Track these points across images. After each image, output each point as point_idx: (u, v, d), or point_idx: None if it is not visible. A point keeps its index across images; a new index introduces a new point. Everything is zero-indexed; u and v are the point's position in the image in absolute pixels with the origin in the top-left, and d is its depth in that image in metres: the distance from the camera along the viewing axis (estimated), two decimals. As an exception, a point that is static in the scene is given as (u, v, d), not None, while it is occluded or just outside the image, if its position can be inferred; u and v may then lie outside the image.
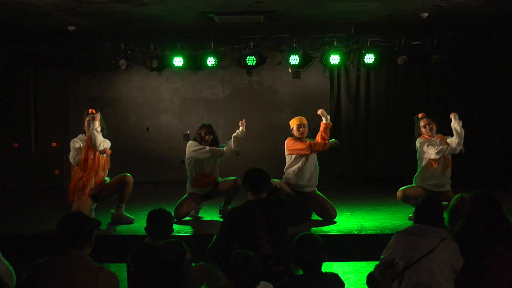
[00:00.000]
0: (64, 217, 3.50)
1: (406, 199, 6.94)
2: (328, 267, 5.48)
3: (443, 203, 4.26)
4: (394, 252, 3.84)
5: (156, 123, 10.96)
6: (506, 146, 10.47)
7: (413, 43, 9.96)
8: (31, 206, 8.45)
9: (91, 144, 6.63)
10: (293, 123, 7.18)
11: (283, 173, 7.17)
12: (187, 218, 7.12)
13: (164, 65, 10.48)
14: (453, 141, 6.91)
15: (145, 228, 4.16)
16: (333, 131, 10.67)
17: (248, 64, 10.19)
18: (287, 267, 4.43)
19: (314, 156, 7.15)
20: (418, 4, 7.75)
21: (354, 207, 7.82)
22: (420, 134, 7.08)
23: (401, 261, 3.78)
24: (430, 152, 6.85)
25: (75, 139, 6.83)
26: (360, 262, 5.87)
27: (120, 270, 4.48)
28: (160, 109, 10.94)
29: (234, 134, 7.19)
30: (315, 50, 10.45)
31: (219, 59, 10.27)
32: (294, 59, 10.04)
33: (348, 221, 6.95)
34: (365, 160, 10.73)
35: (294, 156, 7.05)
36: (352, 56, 10.48)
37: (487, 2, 7.62)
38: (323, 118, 7.17)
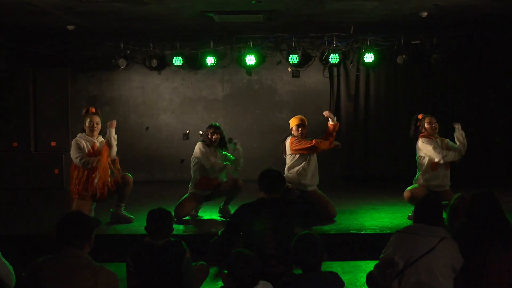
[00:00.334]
0: (64, 217, 3.49)
1: (414, 200, 6.86)
2: (327, 266, 5.49)
3: (443, 202, 4.26)
4: (394, 251, 3.84)
5: (155, 122, 10.96)
6: (506, 145, 10.48)
7: (412, 42, 9.95)
8: (30, 206, 8.45)
9: (104, 148, 6.65)
10: (293, 122, 7.17)
11: (283, 172, 7.15)
12: (186, 217, 7.11)
13: (163, 64, 10.49)
14: (458, 149, 6.90)
15: (145, 228, 4.17)
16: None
17: (248, 63, 10.19)
18: (289, 267, 4.43)
19: (315, 155, 7.15)
20: (418, 3, 7.75)
21: (354, 206, 7.82)
22: (418, 133, 7.05)
23: (401, 260, 3.78)
24: (435, 156, 6.82)
25: (78, 138, 6.75)
26: (360, 262, 5.87)
27: (120, 270, 4.47)
28: (159, 109, 10.94)
29: (238, 147, 7.12)
30: (315, 50, 10.45)
31: (218, 58, 10.27)
32: (294, 59, 10.05)
33: (347, 220, 6.95)
34: (365, 160, 10.73)
35: (297, 155, 7.04)
36: (352, 56, 10.48)
37: (486, 1, 7.62)
38: (330, 120, 7.15)
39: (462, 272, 3.82)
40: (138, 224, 6.69)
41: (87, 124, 6.78)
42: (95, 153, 6.74)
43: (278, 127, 10.66)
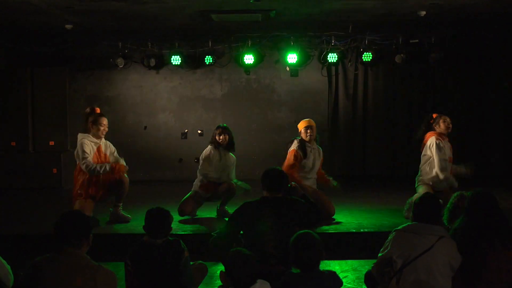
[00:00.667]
0: (62, 216, 3.49)
1: None
2: (326, 265, 5.50)
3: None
4: (392, 250, 3.84)
5: (154, 121, 10.95)
6: (504, 144, 10.49)
7: (410, 41, 9.96)
8: (28, 205, 8.44)
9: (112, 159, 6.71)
10: (301, 125, 7.19)
11: None
12: (186, 216, 7.14)
13: (162, 63, 10.49)
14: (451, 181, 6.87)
15: (143, 227, 4.16)
16: (331, 129, 10.72)
17: (246, 62, 10.19)
18: (288, 267, 4.43)
19: (315, 159, 7.16)
20: (416, 2, 7.75)
21: (352, 205, 7.82)
22: (427, 131, 6.99)
23: (399, 259, 3.78)
24: (436, 166, 6.77)
25: (84, 140, 6.60)
26: (358, 260, 5.87)
27: (118, 269, 4.47)
28: (158, 108, 10.94)
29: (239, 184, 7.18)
30: (313, 49, 10.45)
31: (217, 57, 10.27)
32: (292, 58, 10.05)
33: (346, 219, 6.95)
34: (363, 159, 10.75)
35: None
36: (350, 55, 10.49)
37: (484, 0, 7.62)
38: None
39: (461, 270, 3.83)
40: (137, 224, 6.69)
41: (96, 128, 6.66)
42: (100, 156, 6.69)
43: (276, 126, 10.68)
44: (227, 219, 6.84)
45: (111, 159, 6.81)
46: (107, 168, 6.53)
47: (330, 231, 6.41)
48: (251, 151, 10.47)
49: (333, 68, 10.64)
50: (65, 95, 10.32)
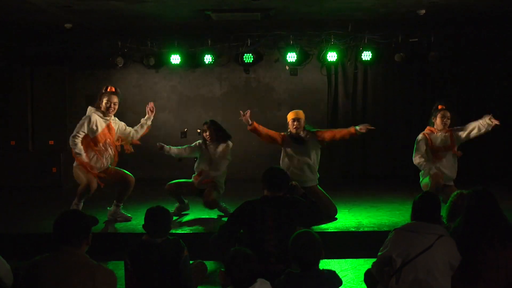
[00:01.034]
0: (61, 215, 3.49)
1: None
2: (325, 264, 5.50)
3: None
4: (392, 249, 3.85)
5: (153, 120, 10.84)
6: (504, 143, 10.48)
7: (410, 40, 9.96)
8: (28, 204, 8.43)
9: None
10: (289, 116, 7.21)
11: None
12: (186, 217, 7.13)
13: (161, 62, 10.46)
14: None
15: (143, 226, 4.17)
16: (331, 128, 10.70)
17: (245, 61, 10.17)
18: (288, 266, 4.43)
19: (309, 149, 7.10)
20: (415, 1, 7.75)
21: (352, 204, 7.83)
22: (430, 124, 7.01)
23: (399, 258, 3.78)
24: (414, 155, 6.87)
25: (93, 114, 6.62)
26: (358, 259, 5.88)
27: (118, 268, 4.48)
28: (157, 107, 10.78)
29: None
30: (312, 47, 10.44)
31: (216, 56, 10.26)
32: (291, 57, 10.04)
33: (345, 218, 6.96)
34: (363, 157, 10.74)
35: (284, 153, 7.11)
36: (349, 53, 10.47)
37: (484, -1, 7.64)
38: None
39: (460, 269, 3.83)
40: (136, 223, 6.69)
41: (103, 103, 6.68)
42: (111, 133, 6.70)
43: (275, 125, 10.58)
44: (227, 218, 6.91)
45: (126, 135, 6.99)
46: (83, 160, 6.49)
47: (329, 230, 6.41)
48: (251, 151, 10.45)
49: (333, 67, 10.62)
50: (65, 94, 10.32)
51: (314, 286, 3.67)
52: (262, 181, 4.77)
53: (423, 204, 4.02)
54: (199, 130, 7.37)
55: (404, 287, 3.76)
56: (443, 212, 4.40)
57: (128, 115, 10.84)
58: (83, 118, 6.65)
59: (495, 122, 6.90)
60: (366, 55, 9.93)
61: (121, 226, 6.68)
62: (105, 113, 6.70)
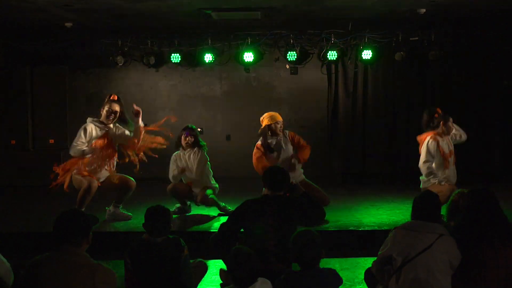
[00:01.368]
0: (61, 214, 3.49)
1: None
2: (325, 263, 5.50)
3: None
4: (392, 248, 3.85)
5: (153, 119, 10.86)
6: (504, 142, 10.48)
7: (410, 39, 9.94)
8: (28, 203, 8.44)
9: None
10: (266, 120, 7.34)
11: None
12: (186, 216, 7.17)
13: (161, 61, 10.46)
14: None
15: (143, 225, 4.17)
16: (331, 127, 10.72)
17: (246, 60, 10.17)
18: (288, 265, 4.43)
19: (284, 150, 7.18)
20: (415, 0, 7.75)
21: (352, 203, 7.83)
22: (430, 127, 6.91)
23: (399, 257, 3.78)
24: (421, 160, 6.72)
25: (87, 123, 6.61)
26: (358, 258, 5.87)
27: (118, 267, 4.48)
28: (157, 106, 10.92)
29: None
30: (313, 46, 10.42)
31: (216, 55, 10.25)
32: (292, 55, 10.03)
33: (345, 217, 6.95)
34: (363, 156, 10.73)
35: None
36: (350, 52, 10.46)
37: (484, -2, 7.64)
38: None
39: (460, 268, 3.83)
40: (136, 222, 6.69)
41: (104, 111, 6.68)
42: (107, 143, 6.68)
43: (276, 124, 10.65)
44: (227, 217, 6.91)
45: (122, 139, 6.88)
46: (89, 151, 6.51)
47: (330, 229, 6.41)
48: (250, 149, 10.43)
49: (333, 66, 10.61)
50: (65, 93, 10.32)
51: (314, 285, 3.68)
52: (263, 180, 4.77)
53: (424, 203, 4.02)
54: (199, 129, 7.36)
55: (405, 286, 3.75)
56: (443, 211, 4.39)
57: (128, 114, 10.84)
58: (80, 129, 6.64)
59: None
60: (366, 54, 9.92)
61: (121, 225, 6.68)
62: (104, 122, 6.68)
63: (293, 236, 3.83)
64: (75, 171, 6.58)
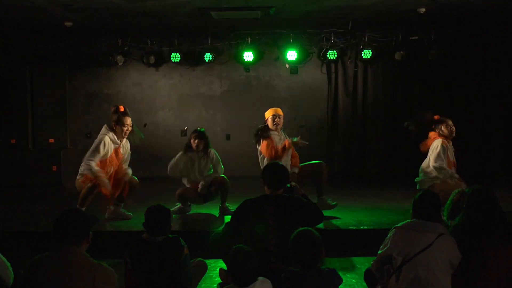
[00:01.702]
0: (62, 213, 3.49)
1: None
2: (325, 262, 5.50)
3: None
4: (392, 247, 3.85)
5: (153, 119, 10.95)
6: (503, 141, 10.48)
7: (410, 38, 9.96)
8: (28, 203, 8.43)
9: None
10: (268, 113, 7.25)
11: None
12: (186, 215, 7.17)
13: (161, 61, 10.47)
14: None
15: (143, 224, 4.16)
16: (331, 127, 10.73)
17: (246, 59, 10.18)
18: (288, 265, 4.42)
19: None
20: (415, 0, 7.76)
21: (352, 202, 7.82)
22: (423, 129, 6.91)
23: (399, 256, 3.78)
24: (434, 159, 6.60)
25: (106, 138, 6.48)
26: (358, 258, 5.87)
27: (118, 266, 4.47)
28: (157, 105, 10.93)
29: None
30: (313, 46, 10.44)
31: (216, 54, 10.26)
32: (292, 55, 10.04)
33: (345, 216, 6.95)
34: (363, 155, 10.74)
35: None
36: (350, 52, 10.48)
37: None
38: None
39: (460, 267, 3.83)
40: (136, 221, 6.68)
41: (119, 128, 6.59)
42: (118, 158, 6.67)
43: (276, 123, 10.64)
44: (229, 216, 6.90)
45: (125, 157, 6.88)
46: (104, 180, 6.41)
47: (329, 228, 6.41)
48: (250, 149, 10.43)
49: (333, 65, 10.62)
50: (65, 92, 10.33)
51: (314, 285, 3.68)
52: (263, 177, 4.74)
53: (423, 202, 4.02)
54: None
55: (404, 286, 3.76)
56: (443, 210, 4.40)
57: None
58: (97, 141, 6.53)
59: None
60: (366, 54, 9.93)
61: (121, 225, 6.68)
62: (119, 135, 6.65)
63: (293, 236, 3.83)
64: (78, 177, 6.59)
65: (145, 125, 10.86)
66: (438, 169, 6.59)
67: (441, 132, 6.79)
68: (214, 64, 10.57)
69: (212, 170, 7.20)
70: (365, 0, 7.78)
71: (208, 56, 10.15)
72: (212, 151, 7.26)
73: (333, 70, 10.66)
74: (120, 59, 10.12)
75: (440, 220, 4.07)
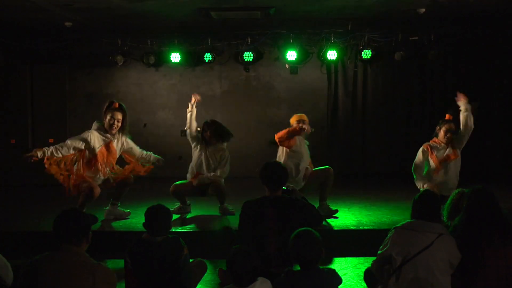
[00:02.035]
0: (61, 213, 3.49)
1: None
2: (325, 263, 5.50)
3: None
4: (391, 247, 3.85)
5: (153, 119, 10.95)
6: (503, 141, 10.48)
7: (410, 38, 9.96)
8: (28, 202, 8.44)
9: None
10: (293, 119, 7.19)
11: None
12: (186, 215, 7.17)
13: (161, 61, 10.47)
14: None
15: (143, 224, 4.17)
16: (331, 126, 10.73)
17: (245, 60, 10.18)
18: (288, 267, 4.41)
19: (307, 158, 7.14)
20: (415, 0, 7.76)
21: (352, 203, 7.83)
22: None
23: (398, 256, 3.79)
24: (416, 164, 6.72)
25: (92, 131, 6.52)
26: (358, 258, 5.87)
27: (118, 266, 4.48)
28: (157, 105, 10.93)
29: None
30: (312, 46, 10.44)
31: (216, 54, 10.26)
32: (291, 55, 10.04)
33: (345, 217, 6.95)
34: (363, 156, 10.75)
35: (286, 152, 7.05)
36: (350, 52, 10.48)
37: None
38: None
39: (460, 267, 3.83)
40: (136, 221, 6.69)
41: (107, 119, 6.58)
42: (110, 154, 6.64)
43: (275, 123, 10.61)
44: (229, 216, 6.88)
45: (133, 155, 6.96)
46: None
47: (329, 229, 6.41)
48: (250, 149, 10.46)
49: (333, 66, 10.63)
50: (65, 92, 10.33)
51: (314, 285, 3.68)
52: (261, 177, 4.71)
53: (423, 203, 4.02)
54: (199, 129, 7.35)
55: (404, 286, 3.76)
56: (443, 211, 4.40)
57: (128, 113, 10.84)
58: (84, 132, 6.58)
59: (461, 99, 6.94)
60: (366, 54, 9.93)
61: (121, 225, 6.67)
62: (107, 130, 6.62)
63: (293, 236, 3.83)
64: (75, 177, 6.55)
65: (145, 125, 10.87)
66: (417, 180, 6.68)
67: (437, 132, 6.82)
68: (214, 64, 10.58)
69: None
70: (365, 0, 7.78)
71: (208, 56, 10.15)
72: (227, 151, 7.23)
73: (332, 70, 10.67)
74: (120, 59, 10.12)
75: (440, 220, 4.08)
